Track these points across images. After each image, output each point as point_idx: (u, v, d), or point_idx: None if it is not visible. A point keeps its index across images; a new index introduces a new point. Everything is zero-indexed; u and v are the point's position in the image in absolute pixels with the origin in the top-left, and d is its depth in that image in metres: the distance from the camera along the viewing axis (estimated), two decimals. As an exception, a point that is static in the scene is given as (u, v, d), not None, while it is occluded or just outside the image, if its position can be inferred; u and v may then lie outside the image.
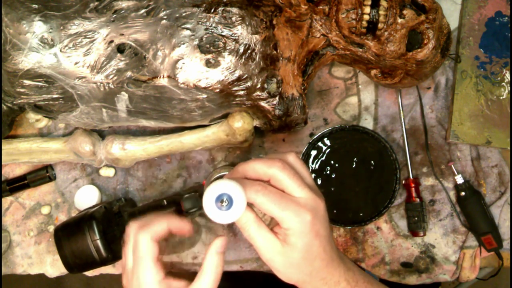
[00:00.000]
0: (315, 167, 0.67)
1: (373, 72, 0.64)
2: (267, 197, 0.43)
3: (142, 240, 0.47)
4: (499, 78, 0.69)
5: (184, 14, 0.57)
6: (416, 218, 0.67)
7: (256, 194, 0.43)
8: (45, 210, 0.72)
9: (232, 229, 0.71)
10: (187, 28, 0.57)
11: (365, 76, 0.70)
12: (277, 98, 0.60)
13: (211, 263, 0.46)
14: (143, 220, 0.48)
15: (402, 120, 0.70)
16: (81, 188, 0.71)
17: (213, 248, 0.46)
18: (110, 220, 0.62)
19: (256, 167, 0.45)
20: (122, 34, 0.57)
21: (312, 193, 0.44)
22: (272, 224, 0.46)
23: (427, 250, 0.69)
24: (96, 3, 0.57)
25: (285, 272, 0.45)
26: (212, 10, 0.57)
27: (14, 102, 0.61)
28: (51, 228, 0.72)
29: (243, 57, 0.58)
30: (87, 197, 0.71)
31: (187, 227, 0.50)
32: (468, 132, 0.68)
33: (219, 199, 0.41)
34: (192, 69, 0.57)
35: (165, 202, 0.63)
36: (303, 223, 0.43)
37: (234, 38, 0.57)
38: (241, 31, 0.57)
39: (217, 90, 0.58)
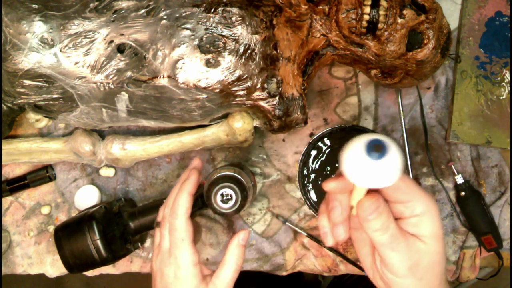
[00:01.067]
0: (315, 167, 0.67)
1: (373, 72, 0.64)
2: (410, 182, 0.39)
3: (179, 222, 0.47)
4: (499, 78, 0.69)
5: (184, 14, 0.57)
6: (416, 218, 0.67)
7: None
8: (45, 210, 0.72)
9: (232, 229, 0.71)
10: (187, 28, 0.57)
11: (365, 76, 0.70)
12: (277, 98, 0.60)
13: (233, 255, 0.46)
14: (173, 203, 0.49)
15: (402, 120, 0.70)
16: (81, 188, 0.71)
17: (236, 240, 0.46)
18: (110, 220, 0.62)
19: None
20: (122, 34, 0.57)
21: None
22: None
23: (427, 250, 0.69)
24: (96, 3, 0.57)
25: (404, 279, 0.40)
26: (212, 10, 0.57)
27: (14, 102, 0.61)
28: (51, 228, 0.72)
29: (243, 57, 0.58)
30: (87, 197, 0.71)
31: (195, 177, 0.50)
32: (468, 132, 0.68)
33: (371, 146, 0.30)
34: (192, 69, 0.57)
35: (165, 202, 0.63)
36: (437, 218, 0.39)
37: (234, 38, 0.57)
38: (241, 31, 0.57)
39: (217, 90, 0.58)
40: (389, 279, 0.41)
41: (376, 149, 0.30)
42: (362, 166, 0.30)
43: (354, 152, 0.31)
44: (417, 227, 0.39)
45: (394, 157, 0.30)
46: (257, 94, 0.60)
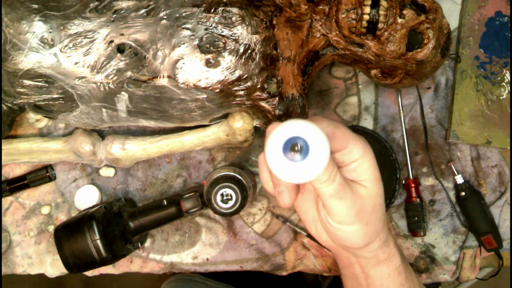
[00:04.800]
0: (315, 167, 0.67)
1: (373, 72, 0.64)
2: (345, 129, 0.39)
3: None
4: (499, 78, 0.69)
5: (184, 14, 0.57)
6: (416, 218, 0.67)
7: (333, 124, 0.39)
8: (45, 210, 0.72)
9: (232, 229, 0.71)
10: (187, 28, 0.57)
11: (365, 76, 0.70)
12: (277, 98, 0.60)
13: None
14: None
15: (402, 120, 0.70)
16: (81, 188, 0.71)
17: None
18: (110, 220, 0.62)
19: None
20: (122, 34, 0.57)
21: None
22: None
23: (427, 250, 0.69)
24: (96, 3, 0.57)
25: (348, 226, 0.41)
26: (212, 10, 0.57)
27: (14, 102, 0.61)
28: (51, 228, 0.72)
29: (243, 57, 0.58)
30: (87, 197, 0.71)
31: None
32: (468, 132, 0.68)
33: (289, 146, 0.30)
34: (192, 69, 0.57)
35: (165, 202, 0.63)
36: (373, 161, 0.40)
37: (234, 38, 0.57)
38: (241, 31, 0.57)
39: (217, 90, 0.58)
40: (336, 229, 0.41)
41: (295, 148, 0.30)
42: (283, 165, 0.30)
43: (274, 152, 0.30)
44: (356, 172, 0.40)
45: (314, 155, 0.30)
46: (257, 94, 0.60)
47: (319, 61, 0.64)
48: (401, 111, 0.70)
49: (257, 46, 0.58)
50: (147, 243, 0.71)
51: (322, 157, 0.30)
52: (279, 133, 0.30)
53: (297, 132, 0.30)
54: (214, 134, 0.64)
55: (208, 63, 0.57)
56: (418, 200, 0.68)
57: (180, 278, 0.85)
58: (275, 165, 0.30)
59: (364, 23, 0.59)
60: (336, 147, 0.40)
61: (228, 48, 0.57)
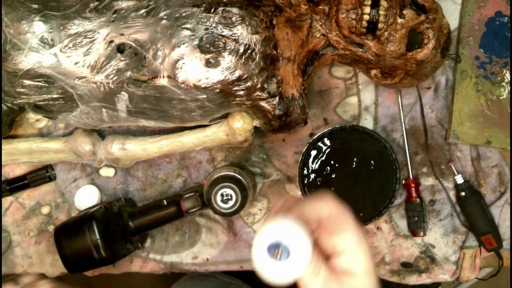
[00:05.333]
0: (315, 167, 0.67)
1: (373, 72, 0.64)
2: (343, 212, 0.38)
3: None
4: (499, 78, 0.69)
5: (184, 14, 0.57)
6: (416, 218, 0.67)
7: (330, 204, 0.38)
8: (45, 210, 0.72)
9: (232, 229, 0.71)
10: (187, 28, 0.57)
11: (365, 76, 0.70)
12: (277, 98, 0.60)
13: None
14: None
15: (402, 120, 0.70)
16: (81, 188, 0.71)
17: None
18: (110, 220, 0.62)
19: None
20: (122, 34, 0.57)
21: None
22: None
23: (427, 250, 0.69)
24: (96, 3, 0.57)
25: None
26: (212, 10, 0.57)
27: (14, 102, 0.61)
28: (51, 228, 0.72)
29: (243, 57, 0.58)
30: (87, 197, 0.71)
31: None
32: (468, 132, 0.68)
33: (273, 248, 0.32)
34: (192, 69, 0.57)
35: (165, 202, 0.63)
36: (368, 253, 0.38)
37: (234, 38, 0.57)
38: (241, 31, 0.57)
39: (217, 90, 0.58)
40: None
41: (277, 251, 0.31)
42: (268, 267, 0.32)
43: (259, 253, 0.32)
44: (348, 262, 0.38)
45: (295, 257, 0.31)
46: (257, 94, 0.60)
47: (319, 61, 0.64)
48: (401, 111, 0.70)
49: (257, 46, 0.58)
50: (147, 243, 0.71)
51: (303, 258, 0.31)
52: (262, 237, 0.32)
53: (278, 238, 0.31)
54: (214, 134, 0.64)
55: (208, 63, 0.57)
56: (418, 200, 0.68)
57: (197, 275, 0.82)
58: (260, 266, 0.32)
59: (364, 23, 0.59)
60: (330, 230, 0.38)
61: (228, 48, 0.57)
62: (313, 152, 0.67)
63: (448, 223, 0.69)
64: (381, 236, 0.69)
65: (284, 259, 0.31)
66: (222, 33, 0.57)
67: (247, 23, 0.57)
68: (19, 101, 0.61)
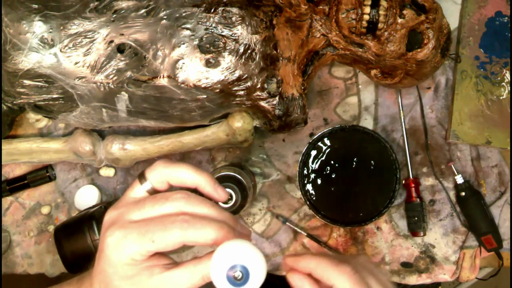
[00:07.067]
0: (315, 167, 0.67)
1: (373, 72, 0.64)
2: (325, 262, 0.38)
3: None
4: (499, 78, 0.69)
5: (184, 14, 0.57)
6: (416, 218, 0.67)
7: (311, 259, 0.38)
8: (45, 210, 0.72)
9: (232, 229, 0.71)
10: (187, 28, 0.57)
11: (365, 76, 0.70)
12: (277, 98, 0.60)
13: None
14: None
15: (402, 120, 0.70)
16: (81, 188, 0.71)
17: None
18: (110, 220, 0.62)
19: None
20: (122, 34, 0.57)
21: None
22: None
23: (427, 250, 0.69)
24: (96, 3, 0.57)
25: None
26: (212, 10, 0.57)
27: (14, 102, 0.61)
28: (51, 228, 0.72)
29: (243, 57, 0.58)
30: (87, 197, 0.71)
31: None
32: (468, 132, 0.68)
33: (232, 270, 0.33)
34: (192, 69, 0.57)
35: (165, 202, 0.63)
36: None
37: (234, 38, 0.57)
38: (241, 31, 0.57)
39: (217, 90, 0.58)
40: None
41: (236, 273, 0.32)
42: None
43: (217, 273, 0.33)
44: None
45: (253, 281, 0.33)
46: (257, 94, 0.60)
47: (319, 61, 0.64)
48: (401, 111, 0.70)
49: (257, 46, 0.58)
50: (147, 243, 0.71)
51: (260, 279, 0.33)
52: (220, 259, 0.33)
53: (236, 260, 0.32)
54: (214, 134, 0.64)
55: (208, 63, 0.57)
56: (418, 200, 0.68)
57: None
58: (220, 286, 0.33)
59: (364, 23, 0.59)
60: (321, 275, 0.38)
61: (228, 48, 0.57)
62: (313, 152, 0.67)
63: (448, 223, 0.69)
64: (381, 236, 0.69)
65: (242, 282, 0.32)
66: (222, 33, 0.57)
67: (247, 23, 0.57)
68: (19, 101, 0.61)
